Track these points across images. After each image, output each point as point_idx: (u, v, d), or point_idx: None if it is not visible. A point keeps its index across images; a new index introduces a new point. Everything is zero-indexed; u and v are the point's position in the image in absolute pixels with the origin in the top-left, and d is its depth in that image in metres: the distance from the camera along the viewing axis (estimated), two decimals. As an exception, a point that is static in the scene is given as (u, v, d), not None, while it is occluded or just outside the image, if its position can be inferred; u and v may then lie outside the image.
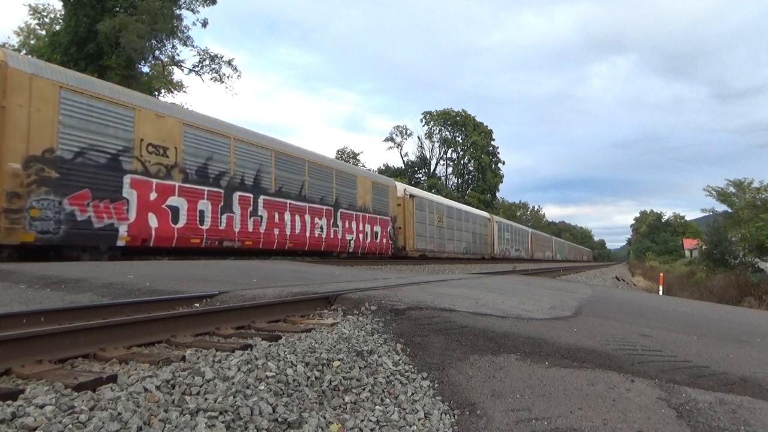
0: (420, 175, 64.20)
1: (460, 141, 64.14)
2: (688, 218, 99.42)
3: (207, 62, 29.83)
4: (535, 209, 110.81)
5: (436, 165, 65.62)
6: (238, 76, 31.00)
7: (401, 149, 65.69)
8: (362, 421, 2.30)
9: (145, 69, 28.71)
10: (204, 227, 11.72)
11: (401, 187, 22.89)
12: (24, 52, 27.47)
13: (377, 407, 2.46)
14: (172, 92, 32.15)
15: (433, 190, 45.23)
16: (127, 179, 10.06)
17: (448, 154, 65.44)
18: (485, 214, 36.56)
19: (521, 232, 45.51)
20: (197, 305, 4.38)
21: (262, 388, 2.25)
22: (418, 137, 66.61)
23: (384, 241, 20.22)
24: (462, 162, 64.86)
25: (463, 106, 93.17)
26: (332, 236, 16.68)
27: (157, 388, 2.10)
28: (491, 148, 65.08)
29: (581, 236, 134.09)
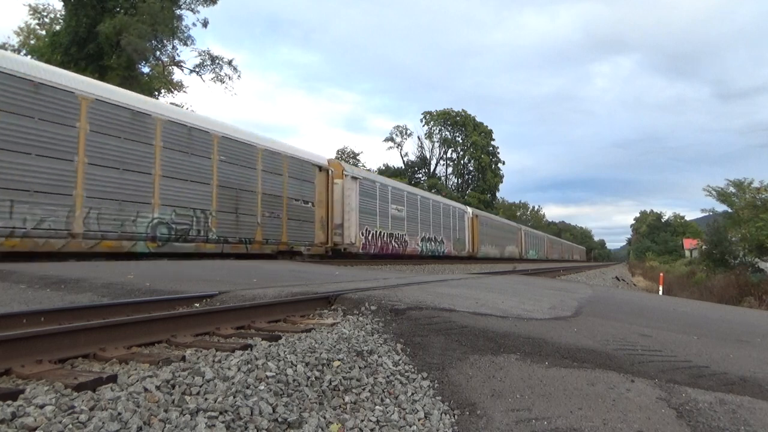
0: (420, 175, 64.22)
1: (460, 141, 64.14)
2: (688, 218, 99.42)
3: (208, 63, 29.86)
4: (535, 209, 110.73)
5: (436, 165, 65.70)
6: (239, 76, 31.03)
7: (401, 149, 65.74)
8: (362, 421, 2.30)
9: (146, 69, 28.72)
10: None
11: None
12: (24, 52, 27.46)
13: (377, 407, 2.46)
14: (172, 92, 32.17)
15: (433, 190, 44.58)
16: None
17: (448, 154, 65.52)
18: (315, 157, 16.11)
19: (445, 210, 26.27)
20: (197, 305, 4.38)
21: (262, 388, 2.25)
22: (418, 137, 66.62)
23: None
24: (462, 162, 64.86)
25: (464, 106, 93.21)
26: None
27: (157, 388, 2.10)
28: (491, 148, 65.08)
29: (581, 236, 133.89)
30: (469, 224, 30.22)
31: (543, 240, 54.04)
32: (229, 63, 30.36)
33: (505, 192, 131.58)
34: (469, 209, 32.11)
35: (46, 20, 28.85)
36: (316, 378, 2.55)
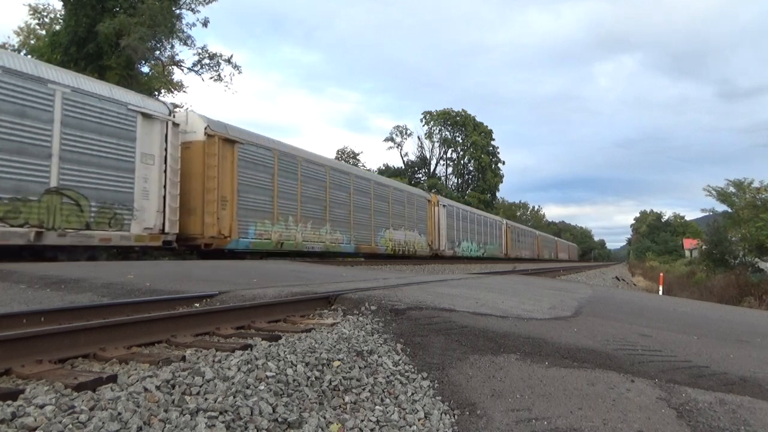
0: (420, 175, 64.20)
1: (460, 141, 64.12)
2: (688, 218, 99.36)
3: (206, 61, 29.74)
4: (535, 209, 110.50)
5: (436, 165, 65.65)
6: (239, 72, 30.90)
7: (401, 149, 65.71)
8: (362, 421, 2.30)
9: (145, 69, 28.68)
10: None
11: None
12: (24, 52, 27.45)
13: (377, 407, 2.46)
14: (171, 92, 32.11)
15: (432, 191, 44.41)
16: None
17: (448, 154, 65.49)
18: None
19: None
20: (197, 305, 4.38)
21: (262, 388, 2.25)
22: (418, 137, 66.59)
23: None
24: (462, 162, 64.83)
25: (465, 106, 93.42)
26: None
27: (157, 388, 2.10)
28: (491, 148, 65.07)
29: (581, 236, 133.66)
30: (219, 167, 12.14)
31: (499, 229, 35.42)
32: (228, 60, 30.23)
33: (506, 192, 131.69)
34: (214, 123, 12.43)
35: (46, 20, 28.85)
36: (316, 378, 2.55)
